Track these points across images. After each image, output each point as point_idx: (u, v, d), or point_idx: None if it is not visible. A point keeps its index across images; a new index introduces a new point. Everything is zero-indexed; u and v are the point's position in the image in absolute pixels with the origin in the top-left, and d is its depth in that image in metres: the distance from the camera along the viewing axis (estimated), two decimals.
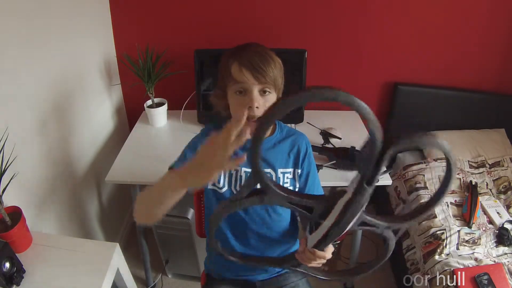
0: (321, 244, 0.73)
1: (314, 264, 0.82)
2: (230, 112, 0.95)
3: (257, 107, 0.88)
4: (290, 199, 0.65)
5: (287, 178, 1.03)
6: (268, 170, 1.01)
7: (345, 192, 0.62)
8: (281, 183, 1.01)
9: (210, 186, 1.03)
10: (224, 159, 0.65)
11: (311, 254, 0.78)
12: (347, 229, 0.66)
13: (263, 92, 0.90)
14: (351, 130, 1.73)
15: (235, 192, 1.00)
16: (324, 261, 0.81)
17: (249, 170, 0.97)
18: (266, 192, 0.64)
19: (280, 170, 1.02)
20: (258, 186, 0.64)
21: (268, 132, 1.02)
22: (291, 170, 1.03)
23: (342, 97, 0.51)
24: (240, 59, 0.88)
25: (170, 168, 0.95)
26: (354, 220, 0.64)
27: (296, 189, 1.05)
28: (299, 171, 1.04)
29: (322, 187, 1.12)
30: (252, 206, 0.68)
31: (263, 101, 0.89)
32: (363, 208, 0.63)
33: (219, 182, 1.01)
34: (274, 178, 1.01)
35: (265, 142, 1.01)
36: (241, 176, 1.00)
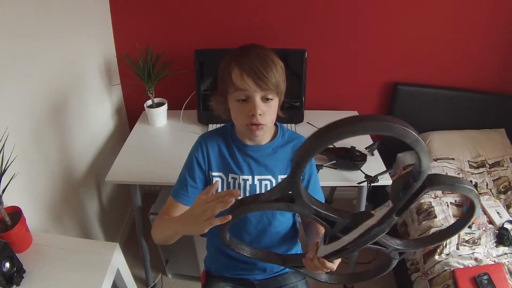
0: (333, 256, 0.73)
1: (318, 271, 0.82)
2: (230, 116, 0.93)
3: (260, 114, 0.86)
4: (317, 212, 0.64)
5: None
6: (268, 176, 1.00)
7: (372, 216, 0.62)
8: None
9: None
10: (211, 221, 0.70)
11: (320, 264, 0.77)
12: (362, 247, 0.67)
13: (265, 99, 0.87)
14: None
15: (233, 200, 0.99)
16: (329, 271, 0.81)
17: (247, 177, 0.98)
18: (295, 200, 0.62)
19: (280, 177, 1.01)
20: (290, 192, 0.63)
21: (269, 137, 1.01)
22: None
23: (397, 131, 0.46)
24: (241, 64, 0.84)
25: (172, 194, 0.99)
26: (371, 240, 0.65)
27: None
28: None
29: (322, 187, 1.11)
30: (274, 211, 0.67)
31: (265, 107, 0.87)
32: (384, 234, 0.64)
33: (217, 191, 0.99)
34: (273, 184, 1.00)
35: (265, 147, 1.00)
36: (239, 184, 0.99)
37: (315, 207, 0.63)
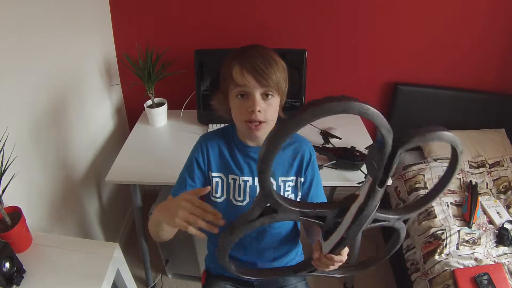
0: (337, 249, 0.73)
1: (331, 268, 0.81)
2: (231, 116, 0.93)
3: (259, 111, 0.85)
4: (303, 213, 0.63)
5: (288, 186, 1.00)
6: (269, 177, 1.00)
7: (357, 196, 0.62)
8: (281, 192, 0.99)
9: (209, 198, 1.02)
10: (184, 224, 0.70)
11: (328, 260, 0.78)
12: (362, 229, 0.66)
13: (265, 96, 0.86)
14: (351, 130, 1.73)
15: (233, 201, 0.99)
16: (341, 263, 0.81)
17: (248, 179, 0.97)
18: (277, 210, 0.62)
19: (280, 179, 0.99)
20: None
21: None
22: (293, 178, 1.01)
23: (354, 108, 0.46)
24: (242, 61, 0.85)
25: (172, 193, 0.98)
26: (368, 220, 0.64)
27: (298, 198, 1.02)
28: (302, 179, 1.01)
29: (322, 187, 1.11)
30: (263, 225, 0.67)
31: (265, 105, 0.86)
32: (376, 208, 0.63)
33: (216, 192, 0.99)
34: (274, 187, 0.98)
35: None
36: (239, 185, 0.98)
37: (298, 209, 0.62)
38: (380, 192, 0.59)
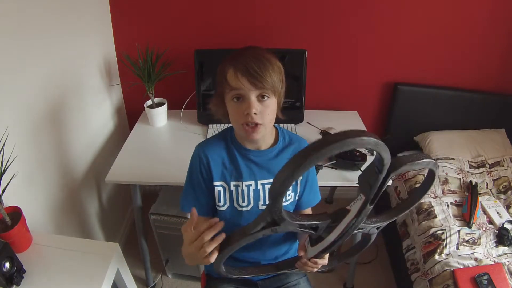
0: (322, 254, 0.79)
1: (314, 270, 0.87)
2: (229, 119, 0.92)
3: (255, 114, 0.85)
4: (301, 225, 0.67)
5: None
6: (271, 180, 0.98)
7: (349, 211, 0.67)
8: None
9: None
10: (209, 258, 0.72)
11: (313, 264, 0.84)
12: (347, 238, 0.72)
13: (261, 98, 0.86)
14: None
15: (237, 207, 0.99)
16: (324, 265, 0.87)
17: (250, 183, 0.98)
18: (280, 223, 0.65)
19: None
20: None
21: (271, 140, 0.99)
22: None
23: (357, 144, 0.49)
24: (236, 64, 0.84)
25: (185, 209, 1.01)
26: (353, 231, 0.70)
27: (297, 195, 1.04)
28: (301, 177, 1.03)
29: (322, 187, 1.12)
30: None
31: (261, 107, 0.86)
32: (363, 222, 0.69)
33: (219, 201, 0.99)
34: None
35: (268, 152, 0.98)
36: (243, 191, 0.98)
37: (298, 222, 0.66)
38: (369, 209, 0.65)
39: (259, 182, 0.99)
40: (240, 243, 0.70)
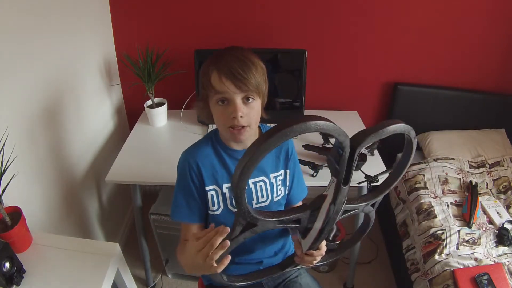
0: (315, 244, 0.78)
1: (314, 263, 0.86)
2: (214, 121, 0.91)
3: (241, 116, 0.85)
4: (279, 221, 0.68)
5: (279, 180, 1.02)
6: (261, 177, 1.00)
7: (326, 196, 0.68)
8: (274, 188, 1.01)
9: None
10: (217, 268, 0.71)
11: (310, 256, 0.83)
12: (335, 223, 0.73)
13: (246, 100, 0.85)
14: (351, 130, 1.72)
15: (231, 209, 0.99)
16: (321, 256, 0.87)
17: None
18: (256, 224, 0.66)
19: (272, 175, 1.01)
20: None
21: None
22: (281, 172, 1.03)
23: (311, 128, 0.53)
24: (219, 67, 0.83)
25: (177, 218, 0.99)
26: (339, 214, 0.70)
27: (287, 189, 1.05)
28: (289, 171, 1.04)
29: (322, 187, 1.11)
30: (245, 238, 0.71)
31: (247, 109, 0.85)
32: (344, 203, 0.69)
33: (213, 205, 0.98)
34: (267, 184, 1.00)
35: None
36: None
37: (275, 219, 0.67)
38: (345, 189, 0.65)
39: (250, 181, 0.99)
40: (225, 250, 0.70)
